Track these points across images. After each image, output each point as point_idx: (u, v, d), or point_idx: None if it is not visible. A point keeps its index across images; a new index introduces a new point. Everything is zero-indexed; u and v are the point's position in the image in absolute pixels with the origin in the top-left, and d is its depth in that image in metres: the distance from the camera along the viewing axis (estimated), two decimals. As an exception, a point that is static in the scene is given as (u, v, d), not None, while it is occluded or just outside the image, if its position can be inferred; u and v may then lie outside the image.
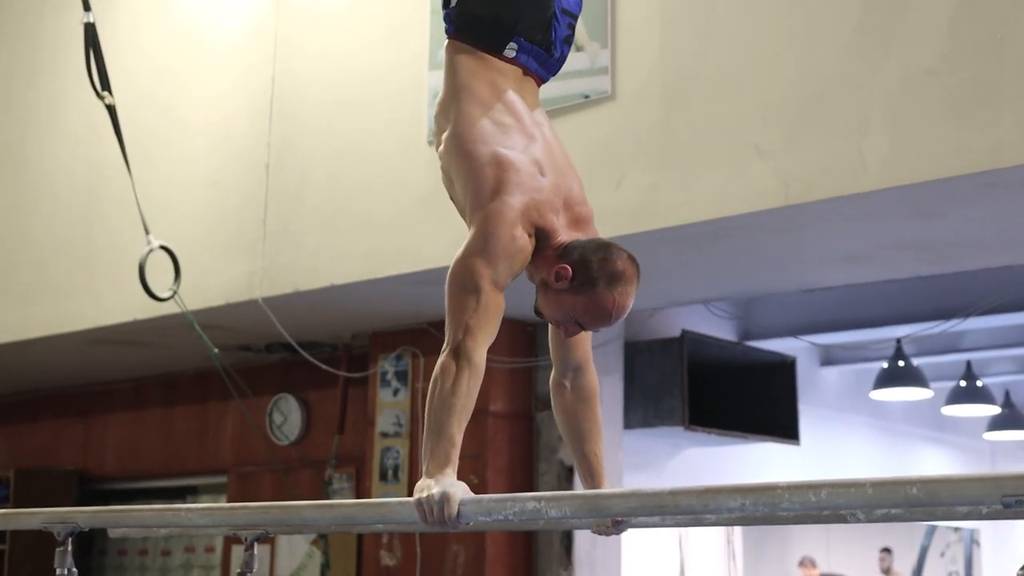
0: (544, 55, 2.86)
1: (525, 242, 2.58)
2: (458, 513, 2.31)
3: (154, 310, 5.98)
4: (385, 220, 5.52)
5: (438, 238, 5.27)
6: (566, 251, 2.60)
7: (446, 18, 2.87)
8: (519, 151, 2.66)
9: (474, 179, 2.63)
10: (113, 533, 3.28)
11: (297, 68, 5.92)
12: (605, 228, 4.38)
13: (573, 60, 4.87)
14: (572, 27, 2.93)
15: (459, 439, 2.42)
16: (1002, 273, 5.83)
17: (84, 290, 6.67)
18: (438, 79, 5.28)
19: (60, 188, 6.95)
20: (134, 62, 6.49)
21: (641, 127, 4.67)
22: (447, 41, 2.86)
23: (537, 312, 2.69)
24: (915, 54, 4.11)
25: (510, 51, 2.80)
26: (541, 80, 2.90)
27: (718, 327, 7.29)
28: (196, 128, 6.32)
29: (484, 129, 2.69)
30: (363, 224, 5.59)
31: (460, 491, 2.33)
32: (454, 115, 2.75)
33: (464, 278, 2.53)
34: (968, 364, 9.08)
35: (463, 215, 2.71)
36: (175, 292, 5.58)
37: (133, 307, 6.26)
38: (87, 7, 5.34)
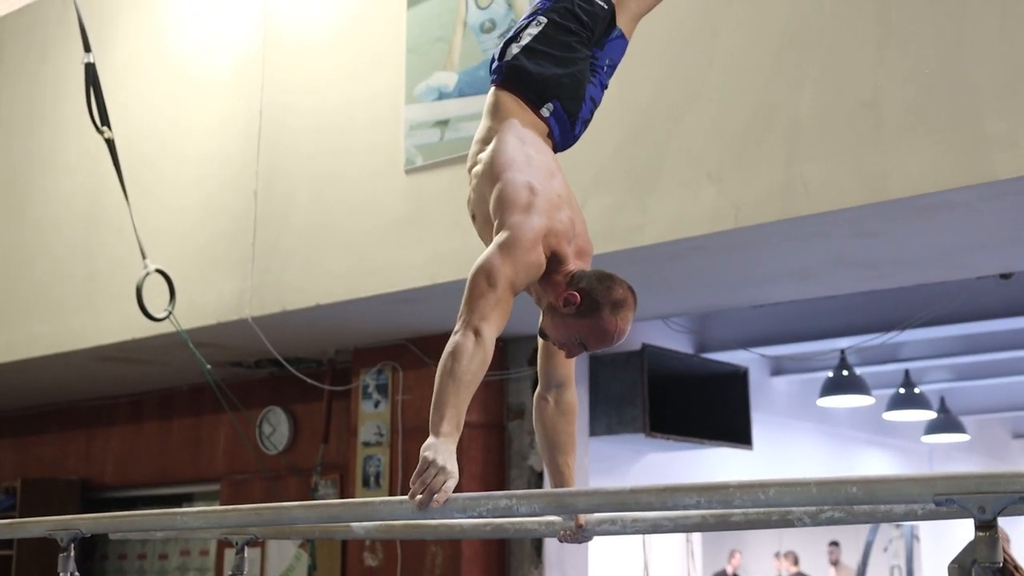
0: (568, 126, 3.00)
1: (541, 260, 2.68)
2: (444, 500, 2.30)
3: (151, 329, 5.95)
4: (366, 243, 5.51)
5: (415, 259, 5.28)
6: (573, 279, 2.68)
7: (496, 70, 3.02)
8: (545, 185, 2.77)
9: (508, 196, 2.72)
10: (114, 536, 3.27)
11: (283, 100, 5.92)
12: (570, 249, 4.39)
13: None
14: (592, 113, 3.08)
15: (465, 409, 2.47)
16: (936, 288, 5.88)
17: (85, 311, 6.63)
18: (413, 111, 5.34)
19: (62, 217, 6.92)
20: (131, 99, 6.48)
21: (603, 154, 4.69)
22: (492, 88, 3.02)
23: (542, 334, 2.77)
24: (852, 88, 4.14)
25: (546, 110, 2.96)
26: (555, 148, 3.02)
27: (676, 341, 7.31)
28: (189, 158, 6.30)
29: (519, 159, 2.81)
30: (345, 246, 5.58)
31: (455, 480, 2.34)
32: (495, 143, 2.87)
33: (489, 273, 2.59)
34: (907, 373, 9.13)
35: (481, 233, 2.83)
36: (170, 312, 5.55)
37: (131, 327, 6.22)
38: (87, 48, 5.32)
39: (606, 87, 3.14)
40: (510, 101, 2.95)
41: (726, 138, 4.43)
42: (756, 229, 4.37)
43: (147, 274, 5.46)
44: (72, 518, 3.14)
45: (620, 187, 4.68)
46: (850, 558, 12.35)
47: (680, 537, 9.17)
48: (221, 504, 7.46)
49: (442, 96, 5.26)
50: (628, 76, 4.70)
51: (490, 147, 2.87)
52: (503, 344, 6.44)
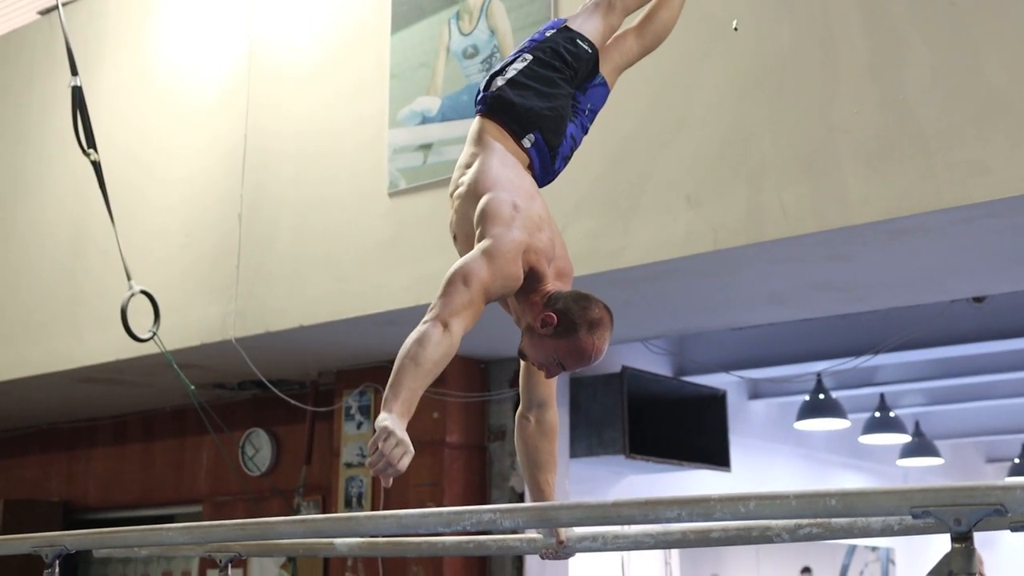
0: (548, 159, 3.04)
1: (518, 273, 2.70)
2: (400, 461, 2.31)
3: (135, 351, 5.93)
4: (349, 265, 5.52)
5: (398, 282, 5.28)
6: (550, 300, 2.71)
7: (481, 100, 3.07)
8: (527, 205, 2.81)
9: (492, 210, 2.76)
10: (98, 553, 3.25)
11: (267, 125, 5.93)
12: (551, 271, 4.41)
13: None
14: (572, 151, 3.12)
15: (419, 397, 2.46)
16: (909, 311, 5.91)
17: (70, 332, 6.61)
18: (396, 135, 5.37)
19: (47, 239, 6.90)
20: (116, 123, 6.48)
21: (584, 179, 4.71)
22: (477, 117, 3.06)
23: (521, 355, 2.79)
24: (829, 113, 4.18)
25: (527, 141, 2.99)
26: (538, 184, 3.05)
27: (655, 363, 7.33)
28: (174, 181, 6.30)
29: (502, 179, 2.86)
30: (329, 269, 5.59)
31: (410, 451, 2.35)
32: (477, 164, 2.91)
33: (467, 275, 2.62)
34: (882, 396, 9.17)
35: (463, 253, 2.83)
36: (155, 333, 5.53)
37: (115, 348, 6.21)
38: (75, 71, 5.33)
39: (587, 131, 3.19)
40: (493, 129, 2.99)
41: (705, 164, 4.47)
42: (734, 252, 4.40)
43: (132, 295, 5.44)
44: (57, 534, 3.13)
45: (601, 211, 4.70)
46: (826, 582, 12.34)
47: (659, 561, 9.16)
48: (203, 526, 7.42)
49: (425, 120, 5.29)
50: (611, 105, 4.72)
51: (472, 169, 2.91)
52: (484, 366, 6.44)
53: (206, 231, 6.09)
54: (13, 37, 7.52)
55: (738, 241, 4.34)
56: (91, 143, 5.36)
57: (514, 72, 3.06)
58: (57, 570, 3.10)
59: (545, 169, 3.06)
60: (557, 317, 2.67)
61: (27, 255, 7.00)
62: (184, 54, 6.45)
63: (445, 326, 2.52)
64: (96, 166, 5.39)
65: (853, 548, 12.29)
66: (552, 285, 2.77)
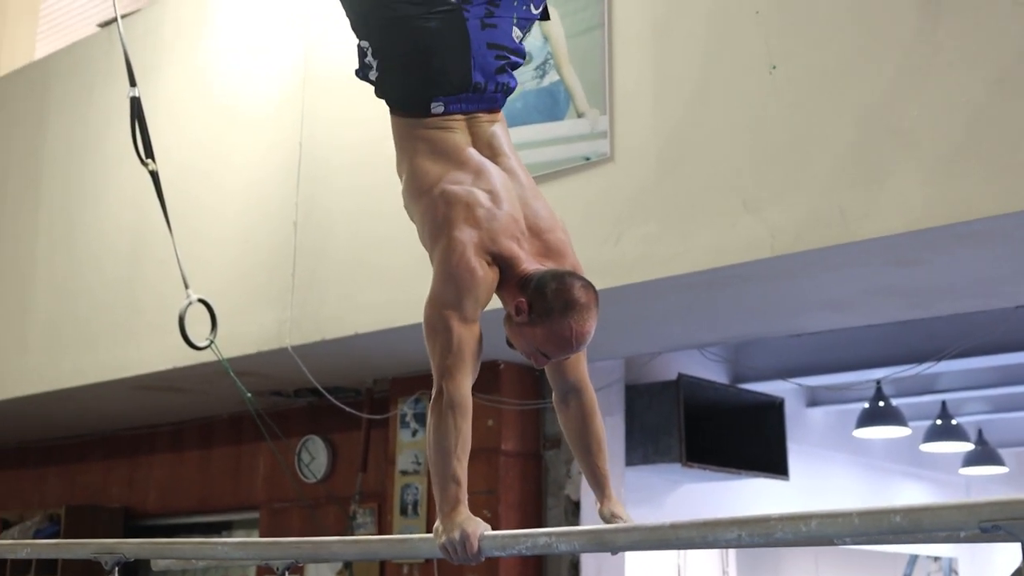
0: (481, 90, 2.71)
1: (484, 271, 2.47)
2: (479, 548, 2.26)
3: (193, 358, 5.96)
4: (404, 273, 5.50)
5: (453, 290, 5.25)
6: (524, 284, 2.47)
7: (376, 94, 2.81)
8: (467, 188, 2.55)
9: (428, 221, 2.56)
10: (156, 565, 3.26)
11: (322, 135, 5.94)
12: (606, 279, 4.38)
13: (574, 125, 4.91)
14: (504, 58, 2.74)
15: (463, 476, 2.33)
16: (973, 318, 5.79)
17: (128, 342, 6.66)
18: (452, 144, 5.32)
19: (105, 249, 6.96)
20: (174, 134, 6.52)
21: (638, 186, 4.66)
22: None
23: (509, 344, 2.57)
24: (889, 117, 4.10)
25: (437, 108, 2.69)
26: (492, 111, 2.76)
27: (712, 370, 7.25)
28: (230, 191, 6.33)
29: (429, 174, 2.61)
30: (383, 276, 5.58)
31: (479, 528, 2.28)
32: (405, 170, 2.69)
33: (433, 322, 2.46)
34: (943, 404, 9.01)
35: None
36: (212, 341, 5.54)
37: (173, 356, 6.24)
38: (133, 82, 5.35)
39: (528, 20, 2.80)
40: (399, 122, 2.75)
41: (763, 167, 4.40)
42: (793, 258, 4.33)
43: (189, 304, 5.46)
44: (117, 542, 3.16)
45: (657, 216, 4.64)
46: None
47: (716, 559, 9.07)
48: (260, 532, 7.46)
49: (479, 128, 5.25)
50: (663, 107, 4.69)
51: (403, 179, 2.70)
52: (539, 373, 6.37)
53: (262, 240, 6.11)
54: (73, 51, 7.61)
55: (797, 247, 4.26)
56: (149, 153, 5.38)
57: (372, 64, 2.74)
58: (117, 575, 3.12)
59: (485, 98, 2.71)
60: (528, 302, 2.42)
61: (86, 265, 7.07)
62: (240, 65, 6.49)
63: (440, 393, 2.37)
64: (154, 176, 5.41)
65: (915, 557, 12.10)
66: (530, 264, 2.50)
